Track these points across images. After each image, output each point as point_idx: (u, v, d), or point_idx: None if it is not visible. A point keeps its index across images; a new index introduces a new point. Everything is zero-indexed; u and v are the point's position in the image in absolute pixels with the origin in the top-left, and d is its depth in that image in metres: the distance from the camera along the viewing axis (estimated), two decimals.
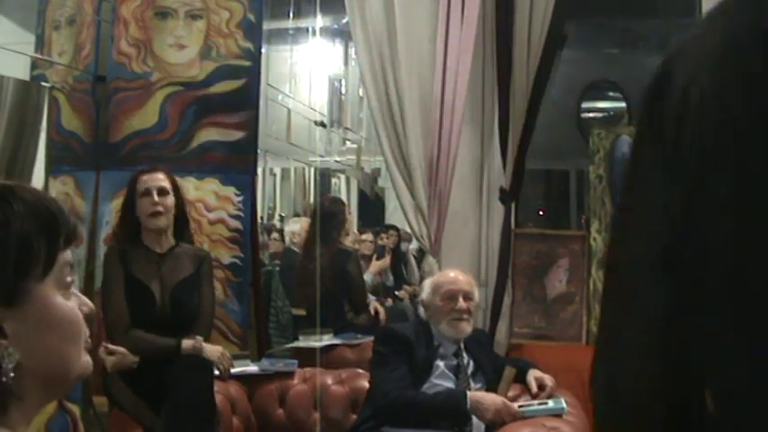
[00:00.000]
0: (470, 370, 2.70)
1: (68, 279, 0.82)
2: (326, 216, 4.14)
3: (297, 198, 6.49)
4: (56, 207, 0.82)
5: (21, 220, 0.77)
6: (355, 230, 4.48)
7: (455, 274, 2.82)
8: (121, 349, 2.57)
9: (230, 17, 3.47)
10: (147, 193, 2.71)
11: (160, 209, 2.72)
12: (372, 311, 4.22)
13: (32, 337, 0.77)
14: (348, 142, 6.25)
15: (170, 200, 2.76)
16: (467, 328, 2.70)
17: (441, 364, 2.66)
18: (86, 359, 0.84)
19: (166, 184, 2.76)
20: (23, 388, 0.76)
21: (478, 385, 2.68)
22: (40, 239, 0.79)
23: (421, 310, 2.84)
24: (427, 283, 2.85)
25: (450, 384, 2.62)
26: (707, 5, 3.50)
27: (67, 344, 0.81)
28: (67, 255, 0.82)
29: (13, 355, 0.75)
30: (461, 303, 2.68)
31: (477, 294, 2.81)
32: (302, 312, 4.24)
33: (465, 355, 2.72)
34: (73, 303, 0.82)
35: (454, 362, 2.68)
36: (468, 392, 2.52)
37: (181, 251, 2.80)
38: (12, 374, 0.75)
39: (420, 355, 2.64)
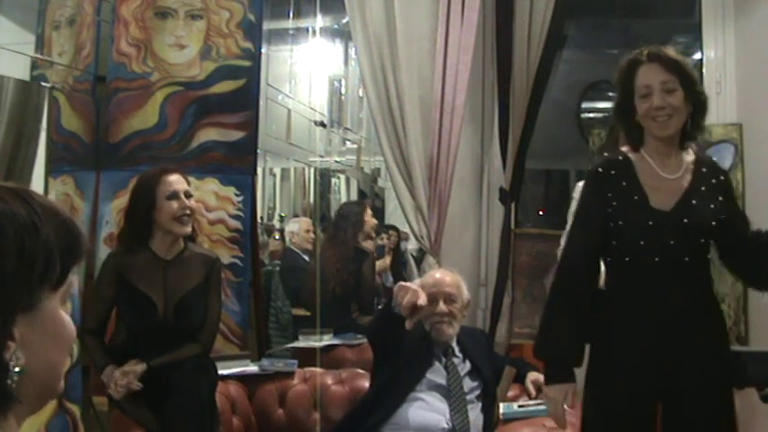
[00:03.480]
0: (466, 369, 2.70)
1: (69, 295, 0.83)
2: (343, 218, 4.18)
3: (297, 198, 6.48)
4: (73, 223, 0.83)
5: (47, 228, 0.78)
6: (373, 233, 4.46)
7: (441, 275, 2.79)
8: (128, 372, 2.52)
9: (230, 17, 3.47)
10: (175, 196, 2.63)
11: (188, 212, 2.66)
12: None
13: (37, 345, 0.78)
14: (348, 142, 6.24)
15: (193, 203, 2.70)
16: (448, 330, 2.69)
17: (434, 361, 2.68)
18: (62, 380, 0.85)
19: (188, 186, 2.70)
20: (23, 394, 0.77)
21: (474, 384, 2.68)
22: (62, 251, 0.80)
23: None
24: (417, 284, 2.85)
25: (442, 381, 2.63)
26: (707, 6, 3.50)
27: (64, 358, 0.83)
28: (75, 272, 0.84)
29: (20, 359, 0.76)
30: (441, 307, 2.67)
31: (465, 294, 2.78)
32: (307, 313, 4.24)
33: (459, 354, 2.73)
34: (70, 319, 0.83)
35: (443, 360, 2.69)
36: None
37: (189, 256, 2.71)
38: (16, 378, 0.75)
39: (412, 350, 2.65)
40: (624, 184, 2.06)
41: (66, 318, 0.82)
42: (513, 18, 3.33)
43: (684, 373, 2.00)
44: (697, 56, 3.68)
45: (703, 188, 2.05)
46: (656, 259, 2.01)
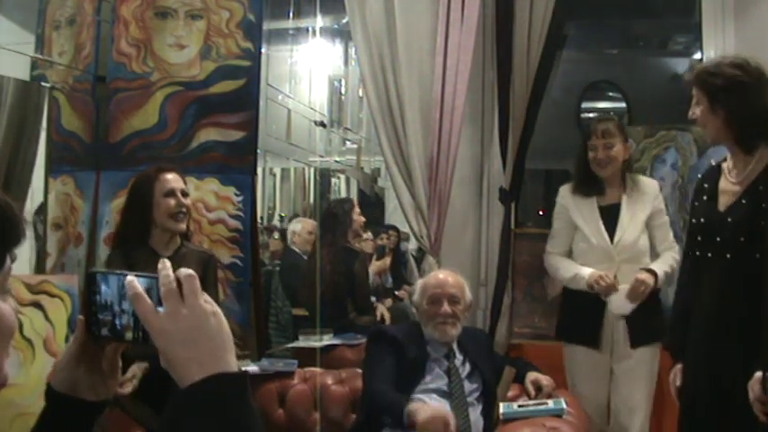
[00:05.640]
0: (466, 371, 2.69)
1: (7, 285, 0.77)
2: (331, 216, 4.15)
3: (297, 198, 6.48)
4: (8, 205, 0.77)
5: None
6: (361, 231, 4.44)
7: (444, 275, 2.80)
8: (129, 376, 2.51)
9: (230, 17, 3.46)
10: (172, 193, 2.70)
11: (185, 210, 2.73)
12: (378, 316, 4.21)
13: None
14: (348, 142, 6.24)
15: (189, 202, 2.77)
16: (452, 331, 2.68)
17: (433, 365, 2.66)
18: (7, 370, 0.78)
19: (184, 186, 2.77)
20: None
21: (474, 386, 2.67)
22: None
23: (414, 311, 2.85)
24: (419, 284, 2.85)
25: (443, 385, 2.62)
26: (707, 6, 3.50)
27: (1, 349, 0.77)
28: (10, 258, 0.78)
29: None
30: (446, 308, 2.67)
31: (468, 296, 2.78)
32: (305, 313, 4.23)
33: (459, 356, 2.72)
34: (10, 307, 0.78)
35: (445, 364, 2.68)
36: (408, 406, 2.40)
37: (187, 253, 2.75)
38: None
39: (411, 355, 2.64)
40: (705, 186, 2.30)
41: (4, 307, 0.76)
42: (513, 18, 3.33)
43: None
44: (697, 56, 3.68)
45: (762, 188, 2.13)
46: (709, 255, 2.20)
